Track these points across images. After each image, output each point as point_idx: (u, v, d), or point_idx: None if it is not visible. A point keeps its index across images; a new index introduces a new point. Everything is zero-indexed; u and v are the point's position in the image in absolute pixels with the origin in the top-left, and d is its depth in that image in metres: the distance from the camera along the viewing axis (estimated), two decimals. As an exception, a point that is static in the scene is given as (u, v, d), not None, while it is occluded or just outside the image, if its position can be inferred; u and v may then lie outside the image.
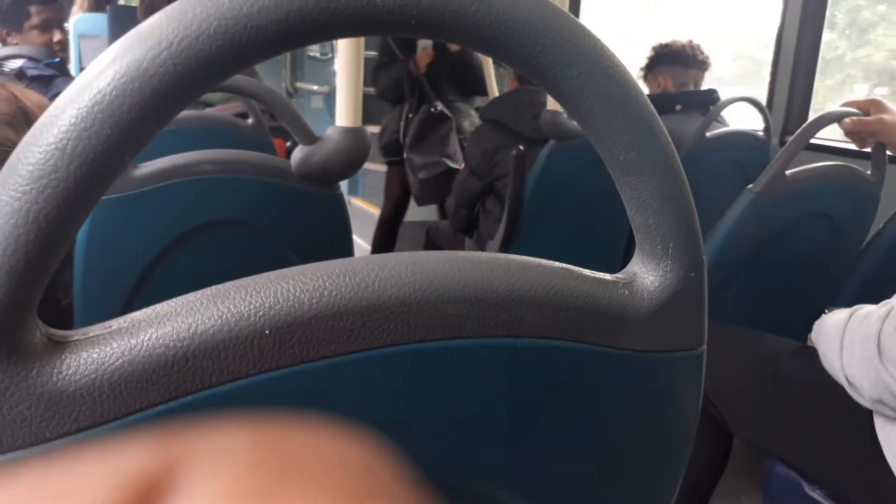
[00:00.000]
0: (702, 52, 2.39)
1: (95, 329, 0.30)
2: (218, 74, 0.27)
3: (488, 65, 3.33)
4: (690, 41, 2.41)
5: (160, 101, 0.27)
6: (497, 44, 0.32)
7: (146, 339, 0.29)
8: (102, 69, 0.26)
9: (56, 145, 0.26)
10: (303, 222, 1.11)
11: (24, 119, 1.09)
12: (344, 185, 1.13)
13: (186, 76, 0.27)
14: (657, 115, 0.37)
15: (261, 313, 0.31)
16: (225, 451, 0.11)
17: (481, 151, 2.19)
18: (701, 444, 1.12)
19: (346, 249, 1.16)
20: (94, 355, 0.28)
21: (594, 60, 0.34)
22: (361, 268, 0.34)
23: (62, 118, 0.26)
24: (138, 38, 0.27)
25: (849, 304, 1.08)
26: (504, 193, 2.14)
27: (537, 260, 0.39)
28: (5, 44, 2.22)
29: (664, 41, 2.45)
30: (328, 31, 0.29)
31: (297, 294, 0.32)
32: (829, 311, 1.11)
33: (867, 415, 0.99)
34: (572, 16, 0.34)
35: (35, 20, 2.21)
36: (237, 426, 0.12)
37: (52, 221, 0.26)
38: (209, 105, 1.96)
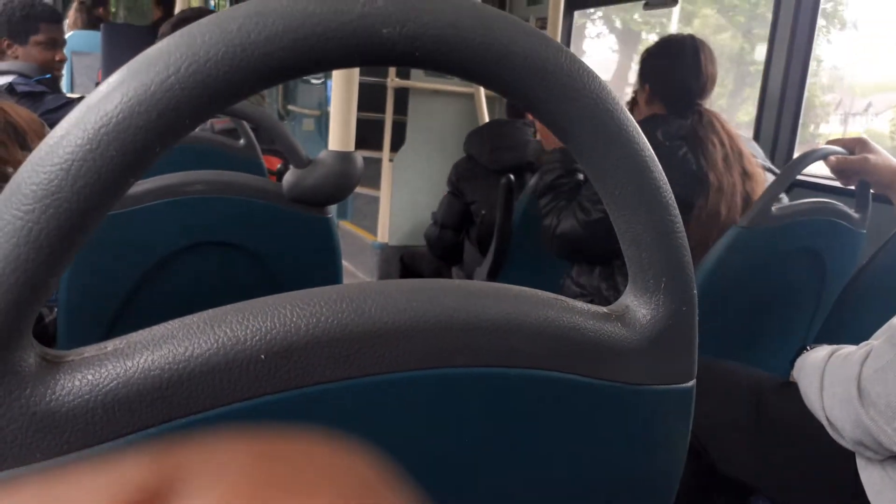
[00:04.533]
0: None
1: (90, 350, 0.29)
2: (225, 100, 0.28)
3: (479, 94, 3.37)
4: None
5: (166, 124, 0.27)
6: (498, 77, 0.33)
7: (142, 361, 0.29)
8: (110, 91, 0.27)
9: (61, 166, 0.26)
10: (292, 245, 1.11)
11: (13, 133, 1.09)
12: (333, 208, 1.13)
13: (193, 101, 0.27)
14: (652, 151, 0.38)
15: (257, 338, 0.31)
16: (222, 462, 0.12)
17: (455, 178, 2.43)
18: (684, 478, 1.12)
19: (334, 273, 1.16)
20: (89, 376, 0.28)
21: (592, 96, 0.35)
22: (357, 294, 0.34)
23: (68, 139, 0.26)
24: (147, 61, 0.27)
25: (831, 341, 1.09)
26: (484, 219, 2.28)
27: (532, 290, 0.39)
28: (3, 54, 2.23)
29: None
30: (333, 60, 0.29)
31: (294, 319, 0.32)
32: (811, 348, 1.11)
33: (850, 453, 1.00)
34: (572, 52, 0.35)
35: (41, 37, 2.23)
36: (234, 439, 0.12)
37: (54, 241, 0.26)
38: None
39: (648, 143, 0.38)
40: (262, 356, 0.31)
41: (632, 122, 0.37)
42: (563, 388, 0.39)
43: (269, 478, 0.11)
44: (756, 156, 1.67)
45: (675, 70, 1.65)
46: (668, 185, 0.39)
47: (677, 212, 0.40)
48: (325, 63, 0.29)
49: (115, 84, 0.27)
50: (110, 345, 0.30)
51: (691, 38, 1.66)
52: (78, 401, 0.28)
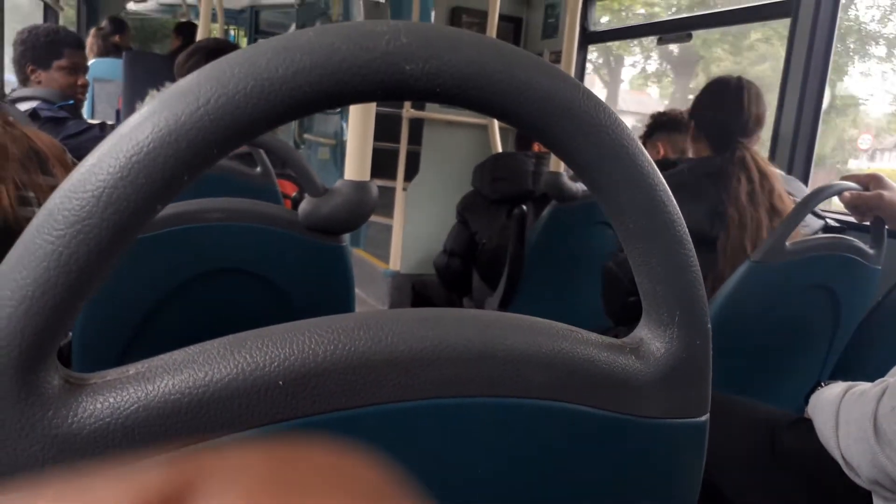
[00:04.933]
0: None
1: (112, 373, 0.30)
2: (252, 131, 0.29)
3: (493, 126, 3.40)
4: (688, 109, 2.47)
5: (194, 154, 0.28)
6: (516, 113, 0.33)
7: (162, 385, 0.29)
8: (142, 121, 0.27)
9: (93, 193, 0.26)
10: (307, 272, 1.11)
11: (34, 158, 1.11)
12: (347, 236, 1.14)
13: (221, 132, 0.28)
14: (667, 185, 0.39)
15: (275, 364, 0.31)
16: (240, 467, 0.12)
17: (461, 208, 2.51)
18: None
19: (348, 300, 1.16)
20: (111, 399, 0.29)
21: (608, 132, 0.35)
22: (374, 323, 0.34)
23: (100, 166, 0.27)
24: (178, 93, 0.28)
25: (846, 378, 1.08)
26: (485, 248, 2.34)
27: (546, 321, 0.40)
28: (27, 80, 2.27)
29: (662, 110, 2.51)
30: (357, 95, 0.30)
31: (312, 346, 0.32)
32: (825, 385, 1.10)
33: (866, 492, 0.98)
34: (589, 90, 0.35)
35: (64, 62, 2.28)
36: (252, 450, 0.13)
37: (83, 266, 0.27)
38: None
39: (663, 179, 0.38)
40: (281, 382, 0.31)
41: (646, 157, 0.37)
42: (576, 419, 0.39)
43: (286, 483, 0.12)
44: (794, 194, 1.68)
45: (716, 109, 1.71)
46: (683, 219, 0.40)
47: (691, 246, 0.40)
48: (349, 97, 0.30)
49: (147, 114, 0.28)
50: (132, 368, 0.30)
51: (737, 79, 1.71)
52: (98, 423, 0.28)
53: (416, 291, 2.85)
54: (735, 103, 1.67)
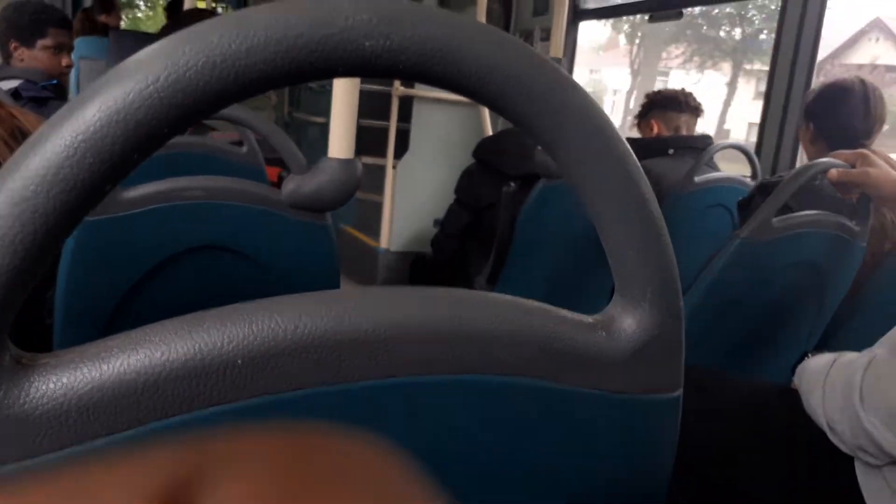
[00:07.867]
0: (694, 99, 2.43)
1: (67, 353, 0.30)
2: (204, 110, 0.28)
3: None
4: (683, 88, 2.46)
5: (144, 133, 0.27)
6: (482, 91, 0.33)
7: (117, 364, 0.29)
8: (89, 99, 0.27)
9: (37, 171, 0.26)
10: (291, 251, 1.11)
11: (20, 138, 1.10)
12: (330, 214, 1.13)
13: (172, 111, 0.27)
14: (638, 162, 0.38)
15: (234, 343, 0.31)
16: (249, 455, 0.12)
17: (467, 184, 2.39)
18: (682, 489, 1.11)
19: (332, 278, 1.16)
20: (64, 379, 0.28)
21: (576, 110, 0.35)
22: (338, 302, 0.34)
23: (45, 145, 0.26)
24: (127, 70, 0.27)
25: (832, 350, 1.09)
26: (492, 225, 2.25)
27: (516, 299, 0.39)
28: (10, 57, 2.23)
29: (657, 89, 2.50)
30: (315, 72, 0.29)
31: (272, 326, 0.32)
32: (812, 356, 1.11)
33: (849, 460, 0.99)
34: (556, 65, 0.35)
35: (49, 41, 2.23)
36: (260, 433, 0.13)
37: (29, 247, 0.26)
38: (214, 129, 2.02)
39: (634, 155, 0.38)
40: (239, 361, 0.31)
41: (616, 134, 0.37)
42: (545, 396, 0.39)
43: (295, 470, 0.12)
44: None
45: (839, 113, 1.68)
46: (654, 196, 0.39)
47: (663, 223, 0.40)
48: (306, 74, 0.29)
49: (94, 92, 0.27)
50: (87, 348, 0.30)
51: (861, 81, 1.69)
52: (52, 404, 0.28)
53: (414, 269, 2.83)
54: (861, 107, 1.65)
